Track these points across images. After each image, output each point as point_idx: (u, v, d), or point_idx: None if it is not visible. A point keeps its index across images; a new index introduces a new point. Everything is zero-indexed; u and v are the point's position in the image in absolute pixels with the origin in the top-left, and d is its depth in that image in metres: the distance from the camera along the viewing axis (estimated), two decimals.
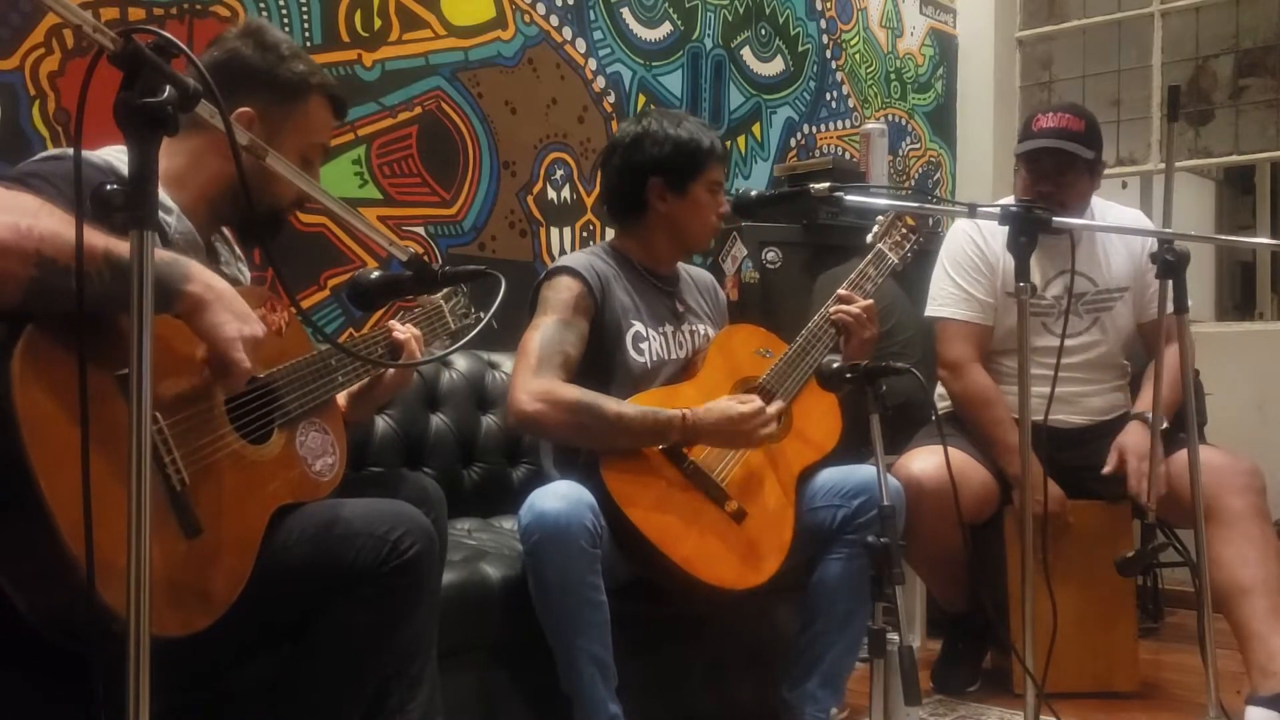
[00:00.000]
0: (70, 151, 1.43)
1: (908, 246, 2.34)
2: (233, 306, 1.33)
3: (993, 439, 2.57)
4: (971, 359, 2.62)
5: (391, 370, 1.79)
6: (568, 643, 1.87)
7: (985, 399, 2.60)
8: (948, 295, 2.68)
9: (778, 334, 2.31)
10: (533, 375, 2.01)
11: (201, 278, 1.32)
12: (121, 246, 1.19)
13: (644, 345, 2.18)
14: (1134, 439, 2.53)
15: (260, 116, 1.57)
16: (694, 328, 2.31)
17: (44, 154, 1.44)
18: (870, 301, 2.24)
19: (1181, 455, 2.03)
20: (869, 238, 2.33)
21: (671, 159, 2.18)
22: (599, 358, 2.14)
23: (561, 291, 2.12)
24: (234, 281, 1.64)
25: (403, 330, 1.77)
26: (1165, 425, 2.29)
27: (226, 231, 1.70)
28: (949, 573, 2.68)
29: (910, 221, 2.37)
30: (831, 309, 2.23)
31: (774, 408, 2.08)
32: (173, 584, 1.25)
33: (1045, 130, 2.52)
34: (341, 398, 1.81)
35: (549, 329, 2.07)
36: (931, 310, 2.71)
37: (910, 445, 2.63)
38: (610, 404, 2.00)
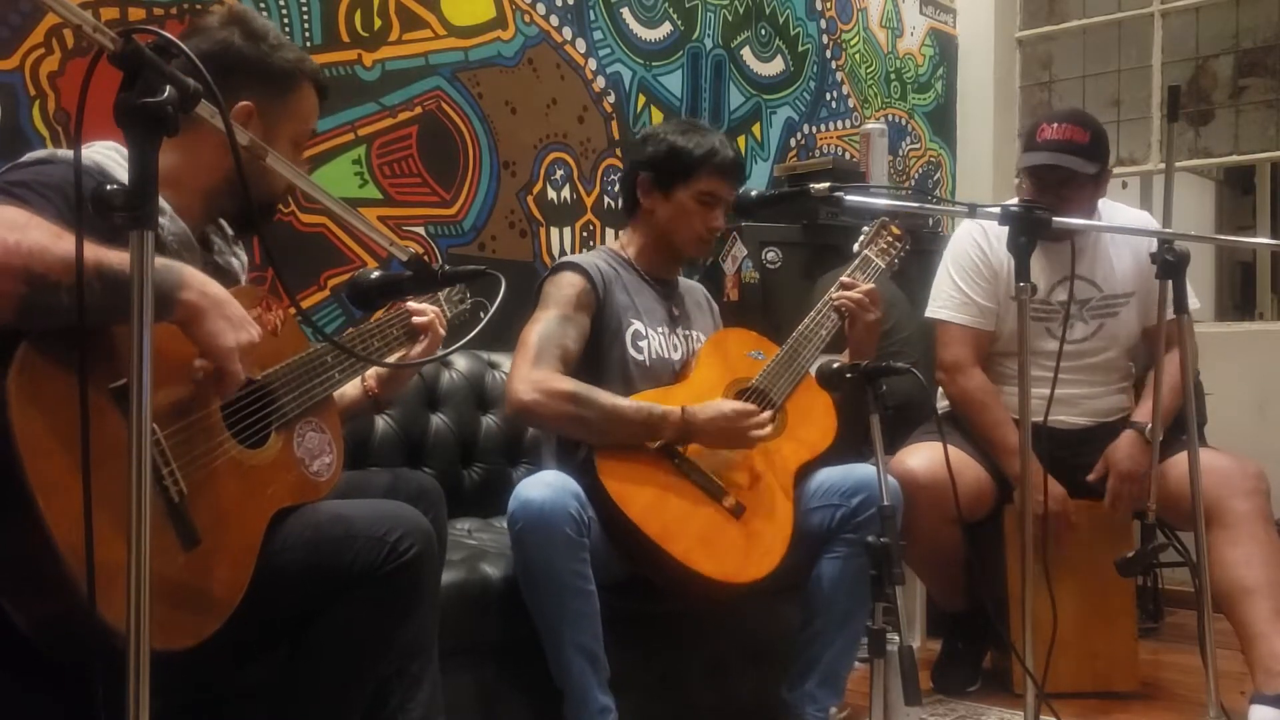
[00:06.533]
0: (58, 153, 1.42)
1: (894, 253, 2.35)
2: (229, 313, 1.32)
3: (992, 440, 2.57)
4: (970, 362, 2.62)
5: (417, 348, 1.78)
6: (555, 633, 1.88)
7: (982, 401, 2.60)
8: (948, 298, 2.68)
9: (777, 334, 2.31)
10: (531, 366, 2.03)
11: (196, 284, 1.30)
12: (110, 256, 1.18)
13: (643, 343, 2.20)
14: (1122, 454, 2.55)
15: (258, 108, 1.56)
16: (689, 332, 2.33)
17: (29, 156, 1.40)
18: (873, 285, 2.25)
19: (1185, 457, 2.03)
20: (855, 246, 2.35)
21: (661, 159, 2.22)
22: (598, 354, 2.16)
23: (564, 287, 2.15)
24: (228, 271, 1.64)
25: (423, 312, 1.77)
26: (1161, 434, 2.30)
27: (221, 221, 1.69)
28: (946, 571, 2.68)
29: (896, 230, 2.37)
30: (834, 295, 2.24)
31: (768, 411, 2.09)
32: (171, 596, 1.24)
33: (1049, 143, 2.50)
34: (372, 379, 1.83)
35: (550, 323, 2.09)
36: (932, 311, 2.71)
37: (907, 442, 2.63)
38: (606, 396, 2.02)
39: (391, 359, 1.77)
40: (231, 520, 1.37)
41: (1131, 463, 2.53)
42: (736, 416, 2.04)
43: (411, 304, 1.77)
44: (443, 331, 1.79)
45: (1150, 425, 2.50)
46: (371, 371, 1.83)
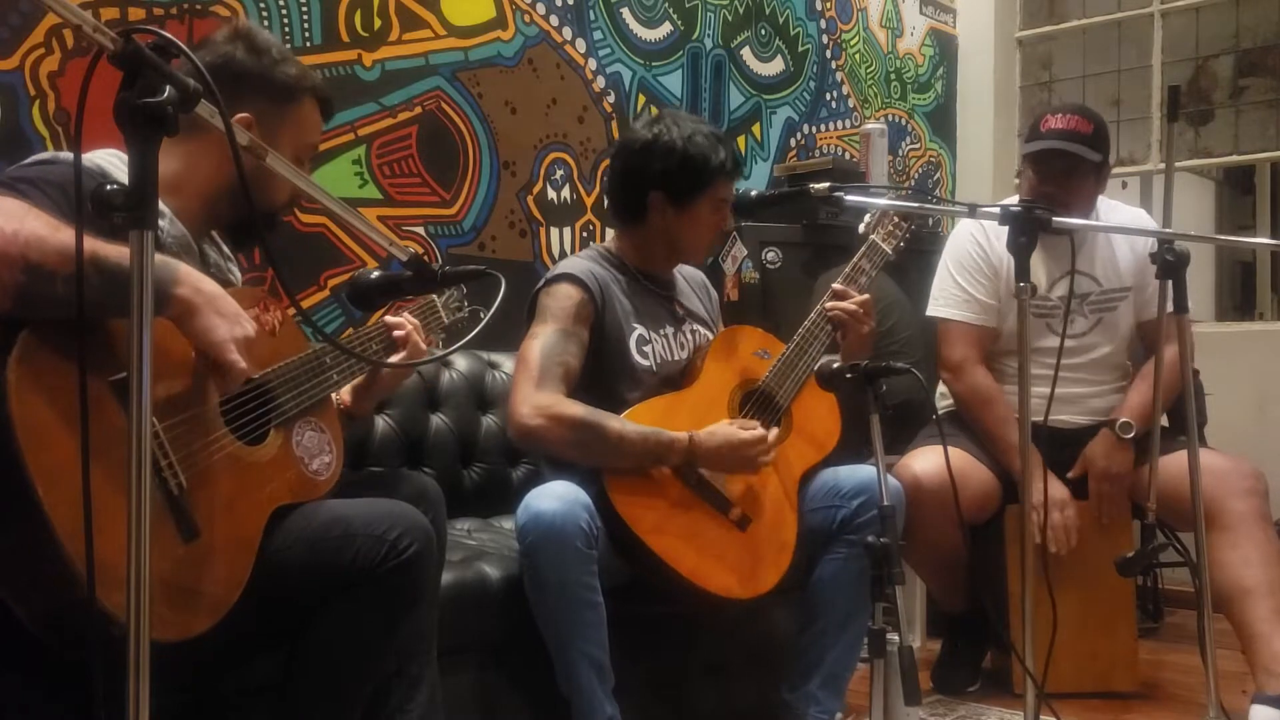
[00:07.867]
0: (60, 155, 1.43)
1: (900, 236, 2.32)
2: (222, 308, 1.33)
3: (996, 438, 2.56)
4: (974, 360, 2.63)
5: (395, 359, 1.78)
6: (564, 644, 1.87)
7: (987, 398, 2.60)
8: (950, 295, 2.68)
9: (778, 334, 2.31)
10: (534, 388, 1.99)
11: (190, 280, 1.31)
12: (108, 250, 1.19)
13: (648, 348, 2.18)
14: (1097, 453, 2.55)
15: (258, 120, 1.57)
16: (694, 328, 2.31)
17: (34, 158, 1.43)
18: (867, 296, 2.22)
19: (1182, 457, 2.03)
20: (861, 228, 2.32)
21: (677, 174, 2.13)
22: (603, 363, 2.13)
23: (561, 300, 2.10)
24: (225, 284, 1.64)
25: (401, 326, 1.76)
26: (1163, 425, 2.29)
27: (214, 234, 1.70)
28: (949, 573, 2.68)
29: None
30: (827, 305, 2.21)
31: (774, 435, 2.08)
32: (171, 588, 1.25)
33: (1053, 131, 2.51)
34: (345, 392, 1.82)
35: (549, 339, 2.05)
36: (933, 310, 2.71)
37: (911, 445, 2.63)
38: (613, 423, 1.98)
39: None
40: (230, 514, 1.37)
41: (1107, 462, 2.53)
42: (744, 445, 2.01)
43: (389, 318, 1.76)
44: (423, 345, 1.77)
45: (1122, 422, 2.52)
46: (345, 389, 1.81)
